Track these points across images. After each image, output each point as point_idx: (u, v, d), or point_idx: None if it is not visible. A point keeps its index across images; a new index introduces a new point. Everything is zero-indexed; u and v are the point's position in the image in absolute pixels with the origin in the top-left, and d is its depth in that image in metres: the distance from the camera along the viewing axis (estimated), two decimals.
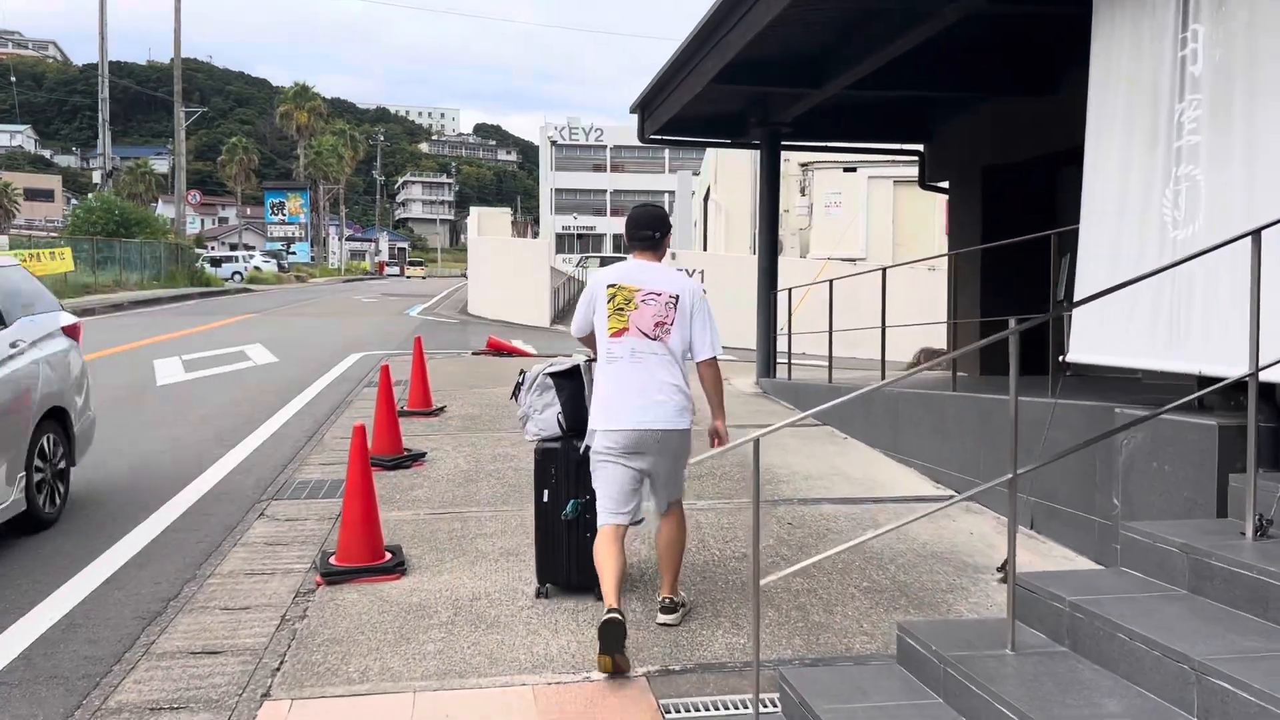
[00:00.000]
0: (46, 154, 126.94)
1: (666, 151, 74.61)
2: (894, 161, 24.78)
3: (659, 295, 4.37)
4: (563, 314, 26.26)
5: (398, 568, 5.29)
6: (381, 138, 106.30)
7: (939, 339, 17.24)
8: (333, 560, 5.30)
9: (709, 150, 29.49)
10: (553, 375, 4.84)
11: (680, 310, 4.38)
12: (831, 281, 10.01)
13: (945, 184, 13.31)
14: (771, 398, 11.23)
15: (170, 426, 9.54)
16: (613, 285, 4.41)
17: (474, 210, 32.04)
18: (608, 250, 68.46)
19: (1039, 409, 6.19)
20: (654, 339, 4.32)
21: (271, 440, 8.90)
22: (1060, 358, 5.22)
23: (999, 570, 5.34)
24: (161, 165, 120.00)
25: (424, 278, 74.06)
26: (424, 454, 8.01)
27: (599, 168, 75.79)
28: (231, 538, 5.97)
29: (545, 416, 4.84)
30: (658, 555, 4.70)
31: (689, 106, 11.33)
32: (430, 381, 11.90)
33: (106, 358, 14.49)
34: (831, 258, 21.45)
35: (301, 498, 6.86)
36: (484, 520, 6.26)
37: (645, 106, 12.57)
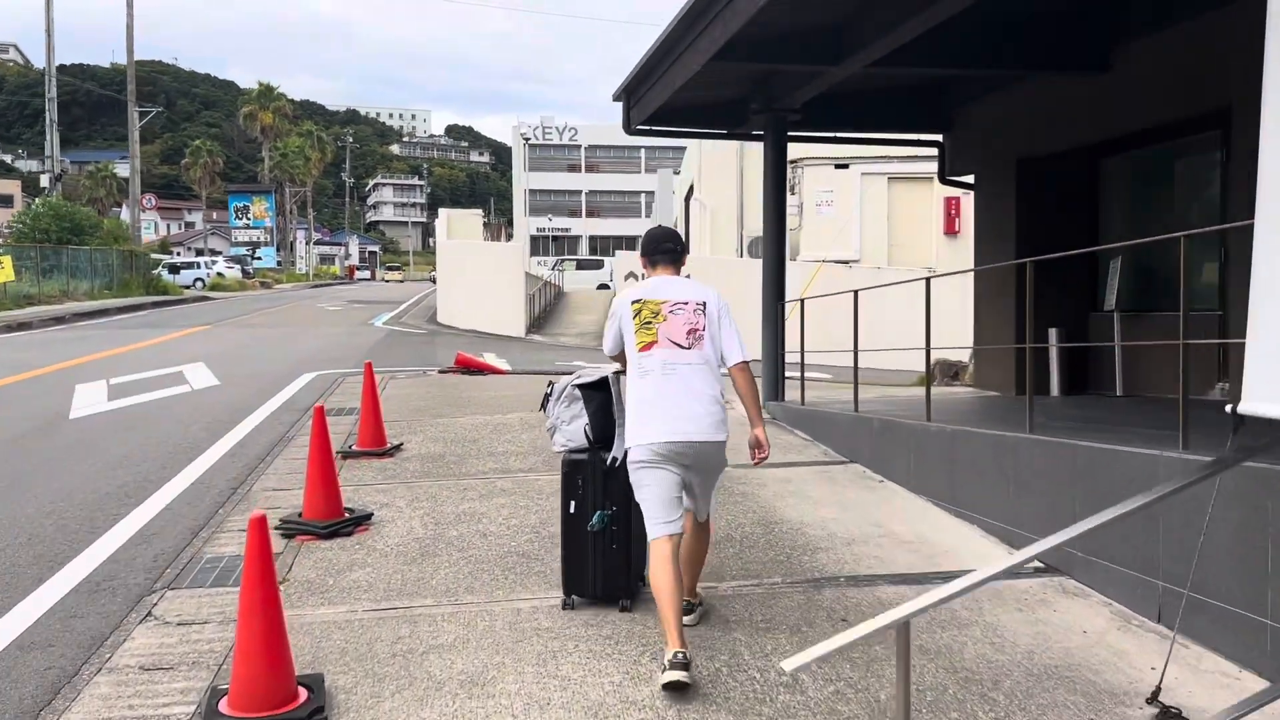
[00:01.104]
0: (7, 159, 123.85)
1: (643, 151, 73.19)
2: (888, 158, 23.46)
3: (686, 304, 4.38)
4: (539, 322, 24.68)
5: (314, 718, 3.75)
6: (350, 139, 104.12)
7: (956, 348, 15.87)
8: (222, 708, 3.75)
9: (691, 147, 28.03)
10: (581, 387, 4.84)
11: (709, 317, 4.39)
12: (857, 292, 8.54)
13: (967, 178, 11.89)
14: (784, 426, 9.75)
15: (68, 475, 7.93)
16: (637, 301, 4.43)
17: (443, 212, 30.35)
18: (583, 253, 66.95)
19: (1150, 464, 4.73)
20: (688, 348, 4.31)
21: (188, 493, 7.32)
22: (1228, 408, 3.78)
23: (1150, 702, 3.88)
24: (125, 169, 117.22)
25: (401, 281, 72.50)
26: (370, 515, 6.46)
27: (574, 168, 74.16)
28: (97, 657, 4.40)
29: (573, 428, 4.83)
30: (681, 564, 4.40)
31: (682, 92, 9.84)
32: (387, 411, 10.36)
33: (20, 384, 12.84)
34: (826, 260, 20.06)
35: (206, 584, 5.30)
36: (440, 622, 4.73)
37: (631, 93, 11.07)
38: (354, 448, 8.47)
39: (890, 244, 23.92)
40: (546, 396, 5.00)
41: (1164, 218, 9.89)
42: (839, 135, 11.88)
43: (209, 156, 79.54)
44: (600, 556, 4.75)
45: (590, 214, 74.50)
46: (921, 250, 23.98)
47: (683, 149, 41.33)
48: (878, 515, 6.59)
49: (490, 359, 16.26)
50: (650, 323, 4.36)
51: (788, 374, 10.63)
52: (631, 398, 4.37)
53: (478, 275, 22.86)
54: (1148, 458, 4.84)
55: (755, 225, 24.85)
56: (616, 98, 11.35)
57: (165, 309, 31.37)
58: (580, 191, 74.30)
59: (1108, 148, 9.91)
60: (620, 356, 4.61)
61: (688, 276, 4.62)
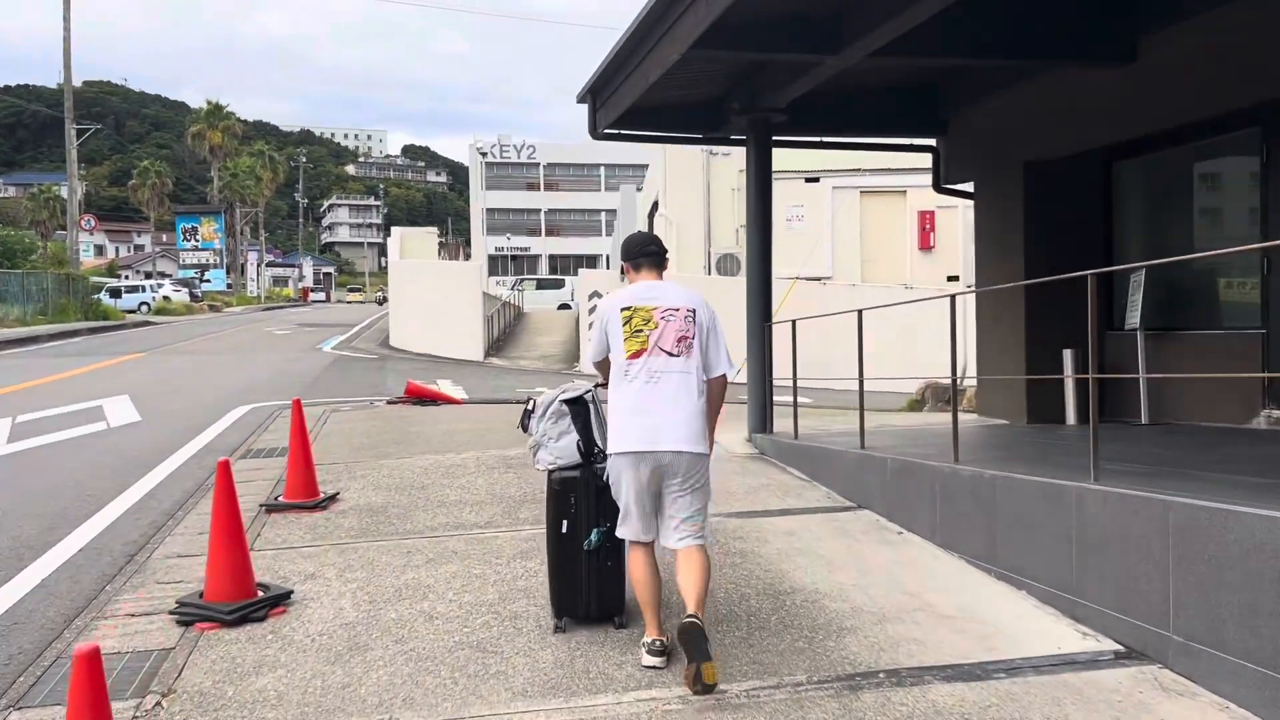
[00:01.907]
0: None
1: (603, 169, 72.24)
2: (859, 170, 22.61)
3: (677, 311, 4.32)
4: (498, 345, 23.47)
5: None
6: (304, 158, 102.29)
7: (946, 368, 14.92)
8: None
9: (655, 162, 27.02)
10: (567, 402, 4.73)
11: (698, 324, 4.34)
12: (861, 312, 7.48)
13: (966, 186, 10.92)
14: (774, 462, 8.65)
15: None
16: (627, 308, 4.35)
17: (396, 230, 29.01)
18: (543, 272, 65.78)
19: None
20: (677, 355, 4.27)
21: (74, 563, 6.07)
22: None
23: None
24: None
25: (362, 302, 71.09)
26: (289, 593, 5.26)
27: (532, 186, 72.97)
28: None
29: (563, 444, 4.71)
30: (679, 592, 4.29)
31: (656, 90, 8.78)
32: (326, 450, 9.17)
33: None
34: (798, 277, 19.06)
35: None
36: None
37: (597, 92, 9.97)
38: (280, 499, 7.25)
39: (863, 259, 23.03)
40: (527, 414, 4.84)
41: (1190, 226, 8.96)
42: (826, 140, 10.86)
43: (157, 177, 77.39)
44: (595, 575, 4.65)
45: (550, 233, 73.28)
46: (895, 266, 23.12)
47: (645, 166, 40.39)
48: (906, 580, 5.49)
49: (444, 387, 15.05)
50: (641, 330, 4.28)
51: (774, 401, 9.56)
52: (614, 405, 4.30)
53: (432, 296, 21.62)
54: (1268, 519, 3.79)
55: (724, 241, 23.87)
56: (581, 99, 10.26)
57: (102, 335, 29.73)
58: (539, 210, 73.11)
59: (1127, 149, 8.99)
60: (604, 364, 4.52)
61: (623, 276, 4.60)
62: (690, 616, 4.05)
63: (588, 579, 4.64)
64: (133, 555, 6.19)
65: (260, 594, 5.14)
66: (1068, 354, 9.15)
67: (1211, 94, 7.57)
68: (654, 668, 4.15)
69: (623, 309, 4.34)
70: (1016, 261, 9.53)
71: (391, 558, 5.93)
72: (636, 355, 4.26)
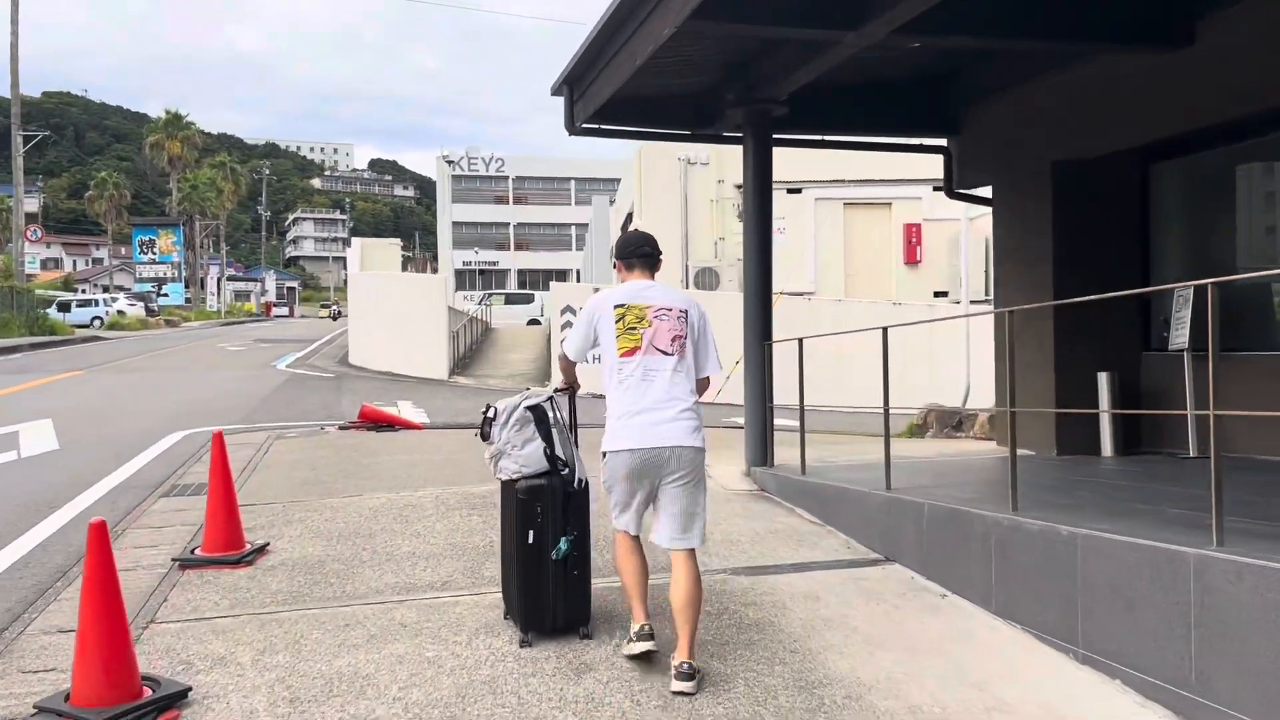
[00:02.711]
0: None
1: (573, 183, 71.19)
2: (843, 182, 21.69)
3: (670, 310, 4.30)
4: (464, 362, 22.25)
5: None
6: (267, 171, 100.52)
7: (978, 391, 13.91)
8: None
9: (629, 172, 25.98)
10: (532, 409, 4.58)
11: (690, 325, 4.33)
12: (886, 329, 6.43)
13: (982, 191, 9.93)
14: (778, 501, 7.56)
15: None
16: (621, 305, 4.29)
17: (356, 241, 27.72)
18: (512, 286, 64.57)
19: None
20: (670, 354, 4.24)
21: None
22: None
23: None
24: (31, 203, 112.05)
25: (335, 318, 68.59)
26: (185, 692, 4.08)
27: (501, 199, 71.73)
28: None
29: (528, 452, 4.56)
30: (673, 613, 4.18)
31: (643, 78, 7.73)
32: (263, 487, 8.00)
33: None
34: (783, 292, 18.07)
35: None
36: None
37: (575, 82, 8.90)
38: (197, 552, 6.06)
39: (847, 274, 22.08)
40: (488, 421, 4.68)
41: (1243, 233, 8.00)
42: (828, 140, 9.83)
43: (115, 189, 75.67)
44: (562, 586, 4.53)
45: (519, 247, 72.01)
46: (880, 281, 22.20)
47: (617, 180, 39.45)
48: (969, 665, 4.41)
49: (404, 409, 13.86)
50: (635, 328, 4.25)
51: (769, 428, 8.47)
52: (612, 405, 4.28)
53: (394, 311, 20.41)
54: None
55: (701, 254, 22.85)
56: (556, 90, 9.18)
57: (46, 351, 28.17)
58: (508, 224, 71.87)
59: (1173, 147, 8.02)
60: (573, 366, 4.60)
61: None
62: (684, 664, 4.01)
63: (554, 590, 4.52)
64: (3, 629, 4.98)
65: (148, 692, 3.96)
66: (1103, 377, 8.16)
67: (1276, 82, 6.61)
68: (646, 653, 4.18)
69: (616, 305, 4.28)
70: (1042, 272, 8.54)
71: (324, 633, 4.76)
72: (630, 353, 4.23)
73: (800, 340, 7.60)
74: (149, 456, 9.90)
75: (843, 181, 21.49)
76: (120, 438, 11.13)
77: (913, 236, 22.02)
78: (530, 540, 4.48)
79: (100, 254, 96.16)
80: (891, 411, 12.49)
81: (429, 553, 6.12)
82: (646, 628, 4.23)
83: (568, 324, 18.02)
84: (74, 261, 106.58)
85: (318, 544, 6.38)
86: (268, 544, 6.33)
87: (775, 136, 8.63)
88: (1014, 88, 8.64)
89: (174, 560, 6.00)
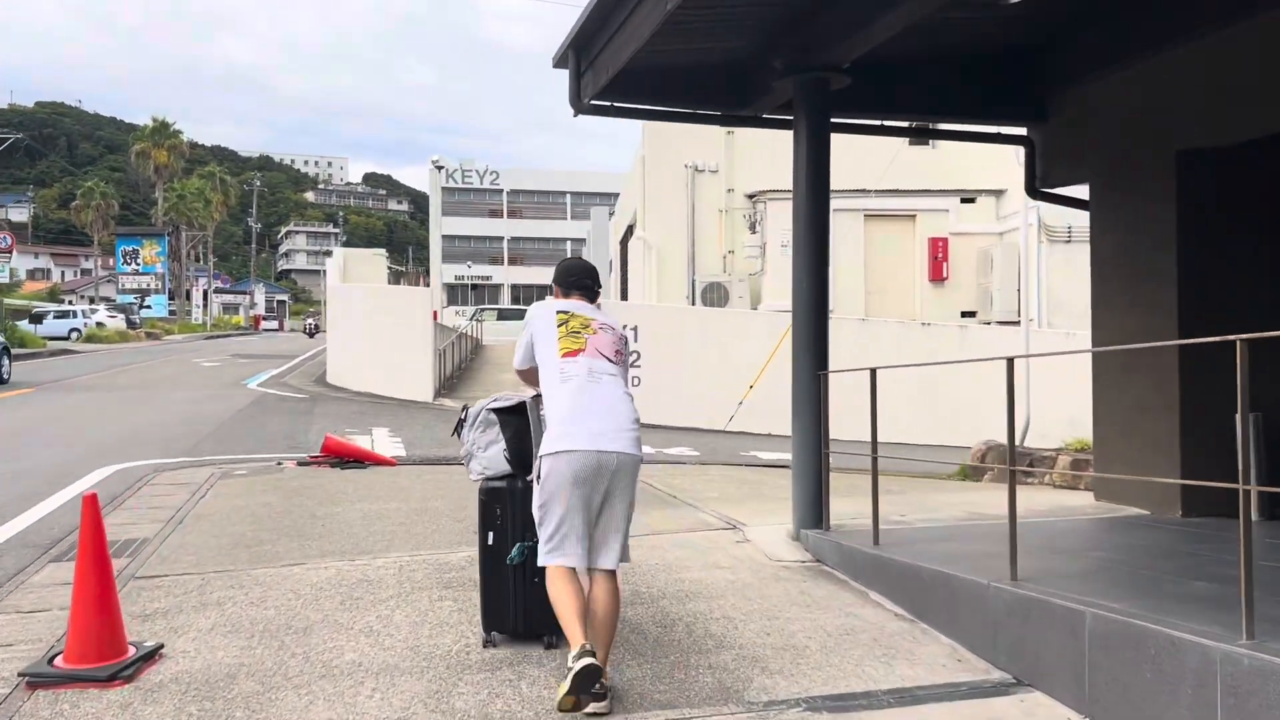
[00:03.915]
0: None
1: (569, 197, 69.60)
2: (865, 192, 20.05)
3: (613, 329, 4.30)
4: (452, 383, 20.53)
5: None
6: (258, 182, 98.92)
7: (1040, 425, 12.26)
8: None
9: (632, 178, 24.36)
10: (496, 411, 4.64)
11: (627, 350, 4.33)
12: (1012, 360, 4.76)
13: (1073, 190, 8.27)
14: (844, 579, 5.84)
15: None
16: (564, 311, 4.24)
17: (337, 251, 25.96)
18: (504, 302, 62.90)
19: None
20: (614, 363, 4.19)
21: None
22: None
23: None
24: (18, 214, 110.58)
25: (312, 334, 66.27)
26: None
27: (495, 213, 70.08)
28: None
29: (490, 454, 4.61)
30: (594, 628, 3.95)
31: (664, 41, 6.10)
32: (189, 542, 6.31)
33: None
34: None
35: None
36: None
37: (582, 49, 7.25)
38: (57, 662, 4.33)
39: (867, 291, 20.43)
40: (460, 421, 4.74)
41: None
42: (889, 125, 8.19)
43: (102, 199, 74.04)
44: (521, 591, 4.44)
45: (512, 261, 70.28)
46: (903, 299, 20.56)
47: (614, 195, 37.90)
48: None
49: (378, 440, 12.14)
50: (579, 333, 4.18)
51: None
52: (552, 405, 4.10)
53: (376, 326, 18.70)
54: None
55: (710, 268, 21.19)
56: (559, 61, 7.53)
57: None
58: (502, 237, 70.22)
59: None
60: (530, 373, 4.36)
61: (598, 306, 4.40)
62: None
63: (515, 594, 4.49)
64: None
65: None
66: (1252, 419, 6.48)
67: None
68: (590, 668, 3.66)
69: (559, 311, 4.22)
70: (1159, 291, 6.88)
71: None
72: (573, 354, 4.12)
73: (873, 370, 5.92)
74: (60, 499, 8.16)
75: (864, 191, 19.87)
76: (37, 472, 9.40)
77: (938, 251, 20.40)
78: (490, 542, 4.50)
79: (89, 265, 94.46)
80: (908, 439, 10.71)
81: (382, 664, 4.40)
82: (588, 645, 3.76)
83: None
84: (62, 272, 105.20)
85: (232, 645, 4.65)
86: (162, 646, 4.60)
87: (837, 120, 6.99)
88: (1129, 60, 6.99)
89: (21, 675, 4.27)
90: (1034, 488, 9.26)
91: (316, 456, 10.06)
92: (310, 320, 55.53)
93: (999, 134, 8.53)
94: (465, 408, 4.81)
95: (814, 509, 6.47)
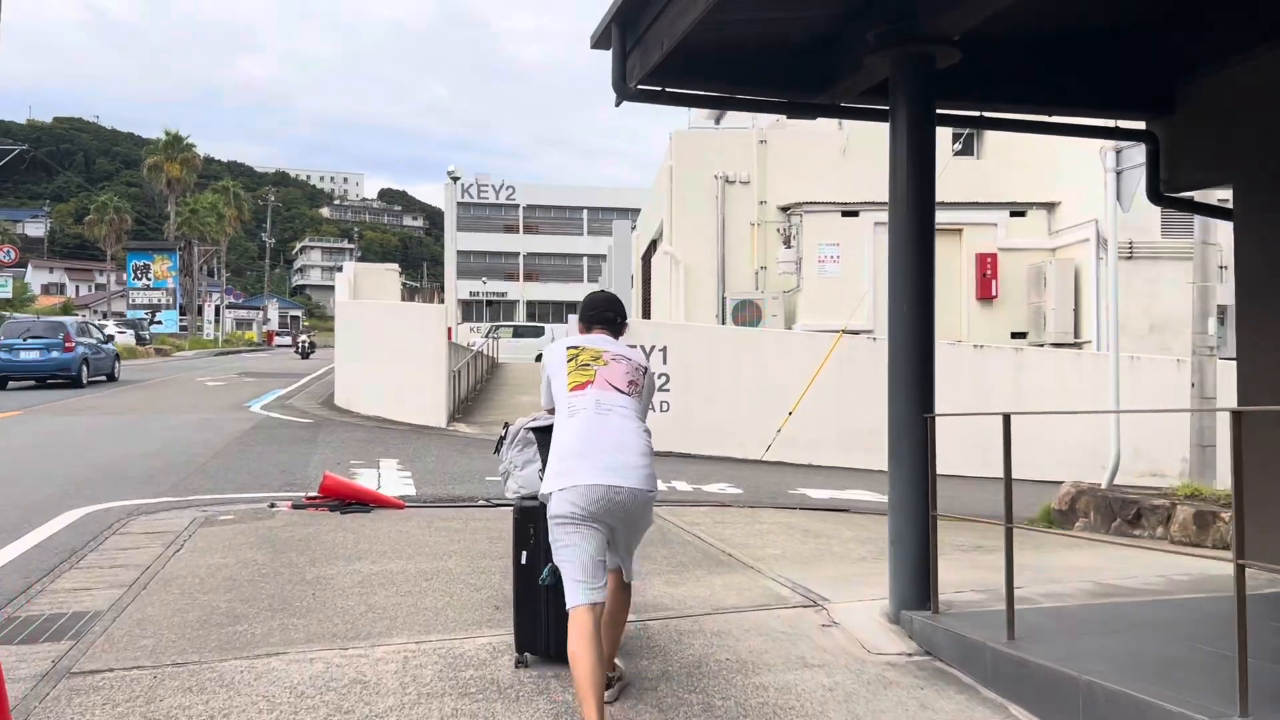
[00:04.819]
0: None
1: (585, 212, 68.54)
2: None
3: (629, 359, 4.18)
4: (467, 406, 19.35)
5: None
6: (273, 198, 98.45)
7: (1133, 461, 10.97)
8: None
9: (656, 191, 23.19)
10: (535, 430, 4.61)
11: (646, 381, 4.21)
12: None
13: (1213, 195, 7.02)
14: (966, 683, 4.56)
15: None
16: (574, 347, 4.18)
17: (348, 266, 24.82)
18: (520, 318, 61.81)
19: None
20: (626, 394, 4.06)
21: None
22: None
23: None
24: (35, 229, 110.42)
25: (305, 354, 64.53)
26: None
27: (510, 228, 69.05)
28: None
29: (526, 474, 4.62)
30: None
31: (728, 12, 4.89)
32: (140, 626, 5.10)
33: None
34: (845, 330, 15.17)
35: None
36: None
37: (628, 24, 6.07)
38: None
39: None
40: (501, 439, 4.78)
41: None
42: (995, 116, 6.96)
43: (116, 213, 73.46)
44: (553, 612, 4.33)
45: (528, 277, 69.23)
46: (948, 319, 19.19)
47: (634, 210, 36.87)
48: None
49: (385, 473, 10.93)
50: (589, 365, 4.08)
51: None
52: (557, 440, 4.01)
53: (387, 345, 17.54)
54: None
55: (741, 285, 19.99)
56: (598, 41, 6.34)
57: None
58: (518, 253, 69.18)
59: None
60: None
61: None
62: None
63: (547, 614, 4.44)
64: None
65: None
66: None
67: None
68: None
69: (569, 348, 4.18)
70: None
71: None
72: (581, 387, 4.03)
73: (1006, 417, 4.68)
74: (10, 555, 6.97)
75: None
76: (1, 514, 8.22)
77: (986, 268, 19.13)
78: (523, 561, 4.52)
79: (104, 280, 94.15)
80: (982, 474, 9.37)
81: None
82: None
83: None
84: (76, 287, 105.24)
85: None
86: None
87: (947, 107, 5.79)
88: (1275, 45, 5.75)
89: None
90: (1146, 541, 7.96)
91: (314, 498, 8.86)
92: (304, 337, 45.63)
93: (1115, 128, 7.29)
94: (507, 425, 4.83)
95: (919, 585, 5.21)
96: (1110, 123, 7.30)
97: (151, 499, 9.13)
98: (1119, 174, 9.89)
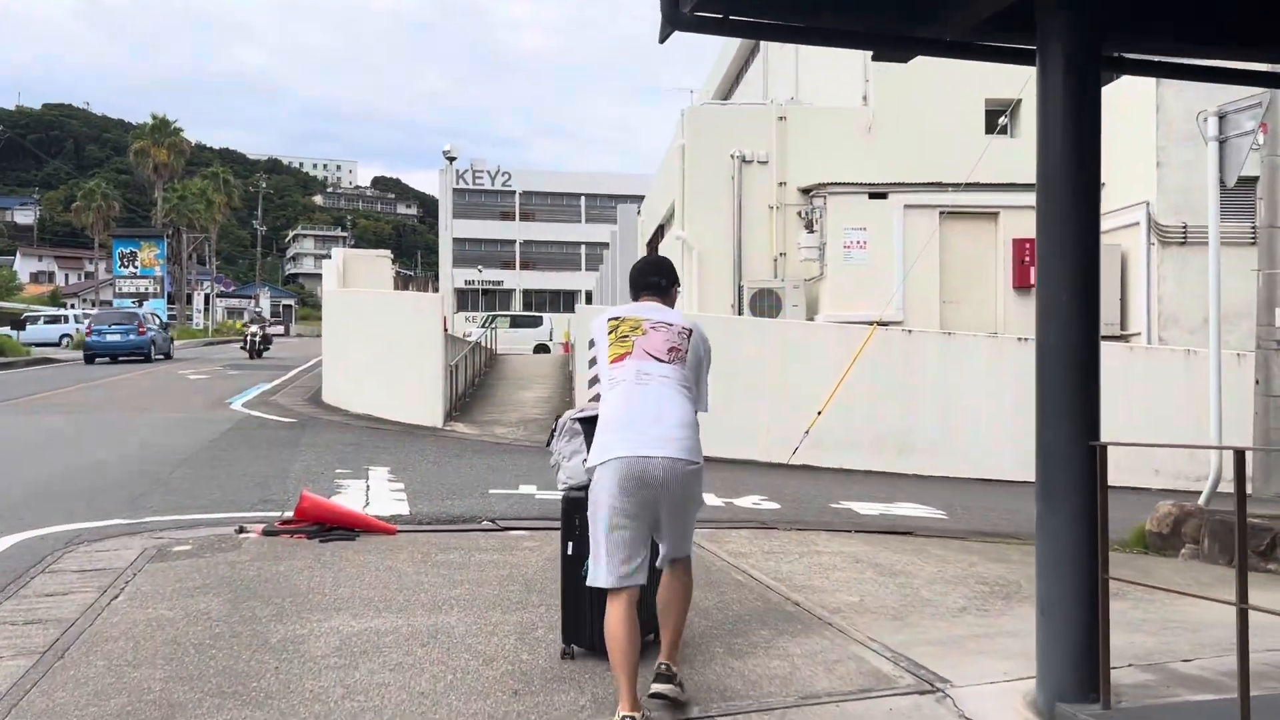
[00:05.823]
0: None
1: (583, 199, 67.11)
2: (940, 185, 17.49)
3: (670, 325, 4.06)
4: (465, 403, 17.98)
5: None
6: (264, 184, 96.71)
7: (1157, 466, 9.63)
8: None
9: (668, 168, 21.80)
10: (581, 420, 4.60)
11: (692, 345, 4.05)
12: None
13: None
14: None
15: None
16: (615, 318, 4.11)
17: (336, 252, 23.33)
18: (516, 307, 60.45)
19: None
20: (667, 362, 3.95)
21: None
22: None
23: None
24: (24, 216, 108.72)
25: (255, 353, 61.78)
26: None
27: (507, 215, 67.55)
28: None
29: (574, 464, 4.58)
30: (656, 613, 4.06)
31: None
32: (41, 709, 3.63)
33: None
34: (878, 322, 13.82)
35: None
36: None
37: None
38: None
39: (941, 300, 17.81)
40: (552, 432, 4.79)
41: None
42: (1158, 61, 5.59)
43: (104, 201, 71.85)
44: (599, 603, 4.14)
45: (525, 266, 67.76)
46: (983, 309, 17.94)
47: (637, 197, 35.44)
48: None
49: (374, 484, 9.59)
50: (628, 336, 4.02)
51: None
52: (600, 413, 3.99)
53: (378, 337, 16.18)
54: None
55: (759, 272, 18.63)
56: None
57: None
58: (514, 241, 67.66)
59: None
60: None
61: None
62: (663, 664, 3.87)
63: (592, 606, 4.38)
64: None
65: None
66: None
67: None
68: None
69: (611, 319, 4.11)
70: None
71: None
72: (620, 359, 3.97)
73: (1240, 453, 3.34)
74: None
75: (939, 185, 17.30)
76: None
77: (1025, 254, 17.77)
78: (569, 552, 4.57)
79: (94, 268, 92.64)
80: (1022, 479, 8.08)
81: None
82: (632, 719, 3.55)
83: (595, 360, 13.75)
84: (66, 275, 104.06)
85: None
86: None
87: (1122, 46, 4.43)
88: None
89: None
90: (1266, 575, 6.66)
91: (289, 521, 7.50)
92: (254, 329, 35.04)
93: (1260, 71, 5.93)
94: (558, 417, 4.84)
95: (1081, 668, 3.88)
96: (1258, 65, 5.94)
97: (98, 521, 7.78)
98: (1222, 143, 8.58)
